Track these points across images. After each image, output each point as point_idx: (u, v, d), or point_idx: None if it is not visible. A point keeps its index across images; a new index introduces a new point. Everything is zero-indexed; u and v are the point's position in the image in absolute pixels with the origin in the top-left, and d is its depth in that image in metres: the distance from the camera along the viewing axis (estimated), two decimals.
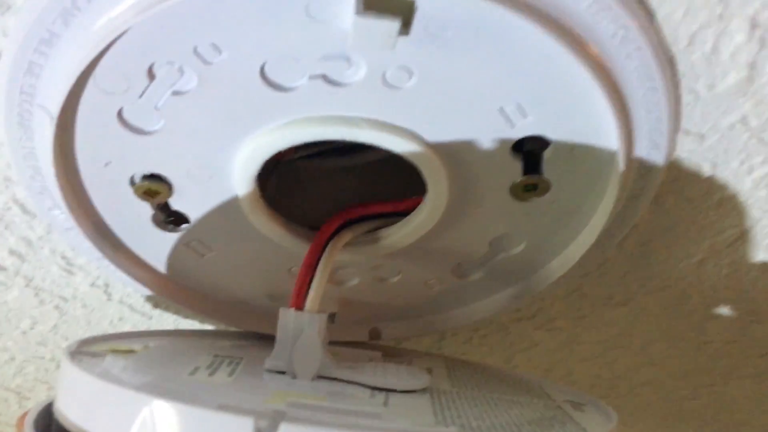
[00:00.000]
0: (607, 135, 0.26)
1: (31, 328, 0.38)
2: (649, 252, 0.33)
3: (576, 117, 0.26)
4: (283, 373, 0.28)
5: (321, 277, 0.28)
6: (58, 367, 0.41)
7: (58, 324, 0.38)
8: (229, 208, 0.29)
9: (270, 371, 0.28)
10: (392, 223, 0.31)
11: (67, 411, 0.23)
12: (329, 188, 0.35)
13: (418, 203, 0.30)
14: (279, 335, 0.29)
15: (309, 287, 0.29)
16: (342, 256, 0.31)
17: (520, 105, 0.25)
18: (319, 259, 0.29)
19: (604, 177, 0.28)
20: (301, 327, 0.28)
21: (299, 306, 0.29)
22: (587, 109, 0.26)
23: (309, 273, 0.29)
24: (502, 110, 0.26)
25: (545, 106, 0.25)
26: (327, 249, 0.29)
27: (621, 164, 0.27)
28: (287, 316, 0.29)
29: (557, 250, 0.32)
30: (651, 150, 0.27)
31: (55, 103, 0.25)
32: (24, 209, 0.31)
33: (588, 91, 0.25)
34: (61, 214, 0.29)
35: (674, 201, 0.31)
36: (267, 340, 0.31)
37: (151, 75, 0.24)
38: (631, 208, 0.30)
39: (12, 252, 0.33)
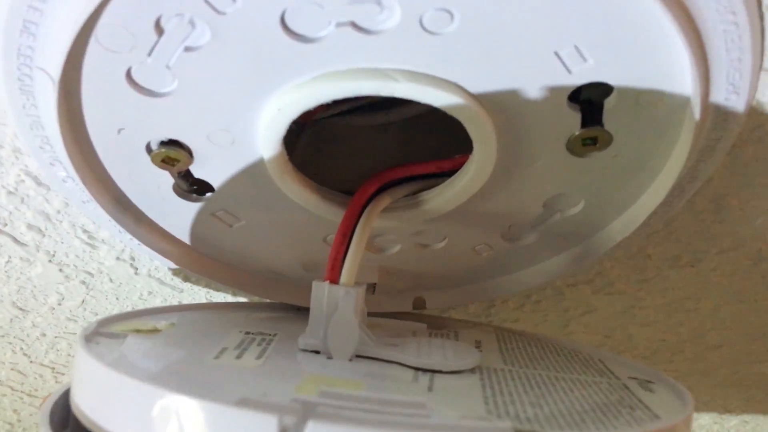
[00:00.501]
0: (679, 79, 0.23)
1: (59, 304, 0.36)
2: (721, 209, 0.30)
3: (644, 59, 0.22)
4: (317, 352, 0.26)
5: (357, 248, 0.26)
6: None
7: (86, 299, 0.36)
8: (255, 174, 0.27)
9: (304, 351, 0.26)
10: (435, 185, 0.28)
11: (80, 402, 0.21)
12: (363, 148, 0.32)
13: (464, 162, 0.27)
14: (313, 311, 0.26)
15: (344, 258, 0.26)
16: (381, 222, 0.29)
17: (578, 47, 0.22)
18: (355, 227, 0.26)
19: (674, 127, 0.25)
20: (335, 302, 0.26)
21: (334, 279, 0.26)
22: (657, 50, 0.22)
23: (344, 243, 0.26)
24: (557, 54, 0.22)
25: (607, 48, 0.22)
26: (363, 215, 0.26)
27: (695, 112, 0.23)
28: (321, 291, 0.26)
29: (620, 210, 0.29)
30: (730, 95, 0.24)
31: (55, 64, 0.22)
32: (38, 182, 0.29)
33: (658, 28, 0.21)
34: (76, 186, 0.27)
35: (753, 152, 0.27)
36: (303, 312, 0.29)
37: (159, 29, 0.22)
38: (705, 162, 0.27)
39: (30, 227, 0.31)
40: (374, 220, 0.27)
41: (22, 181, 0.28)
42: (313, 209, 0.28)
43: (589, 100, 0.25)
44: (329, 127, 0.32)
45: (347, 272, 0.26)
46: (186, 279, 0.35)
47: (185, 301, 0.37)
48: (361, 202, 0.26)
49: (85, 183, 0.26)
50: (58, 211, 0.30)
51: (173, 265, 0.31)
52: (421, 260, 0.32)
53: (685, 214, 0.30)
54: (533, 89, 0.23)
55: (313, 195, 0.28)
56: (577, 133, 0.25)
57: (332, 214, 0.28)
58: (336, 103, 0.30)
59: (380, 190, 0.27)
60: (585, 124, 0.25)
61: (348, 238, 0.26)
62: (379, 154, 0.32)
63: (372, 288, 0.32)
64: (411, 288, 0.34)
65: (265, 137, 0.25)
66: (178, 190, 0.28)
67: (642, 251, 0.32)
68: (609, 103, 0.24)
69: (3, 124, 0.26)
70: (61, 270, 0.33)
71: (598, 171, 0.27)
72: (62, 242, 0.32)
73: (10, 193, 0.29)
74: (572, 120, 0.25)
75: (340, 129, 0.32)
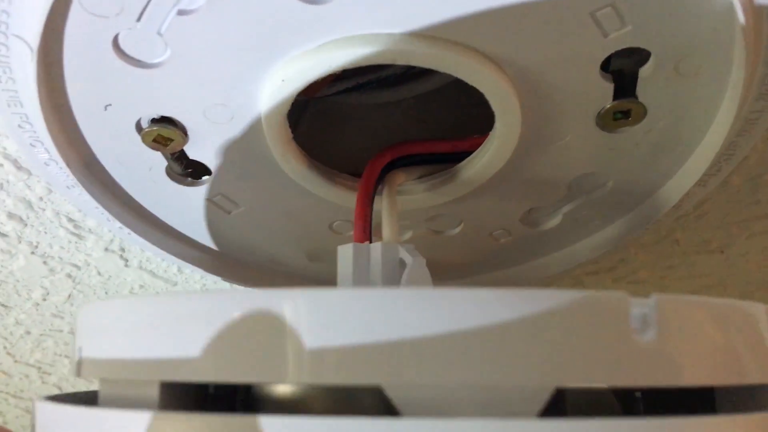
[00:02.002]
0: (726, 45, 0.21)
1: (44, 299, 0.34)
2: (757, 188, 0.28)
3: (686, 21, 0.20)
4: None
5: (391, 203, 0.24)
6: None
7: (72, 294, 0.34)
8: (255, 155, 0.25)
9: None
10: (449, 167, 0.26)
11: None
12: (371, 128, 0.30)
13: (480, 143, 0.25)
14: (359, 277, 0.23)
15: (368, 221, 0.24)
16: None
17: (616, 8, 0.20)
18: (372, 197, 0.24)
19: (714, 99, 0.23)
20: (393, 260, 0.24)
21: (363, 240, 0.24)
22: (702, 10, 0.20)
23: (368, 203, 0.24)
24: (593, 16, 0.20)
25: (649, 9, 0.20)
26: (386, 180, 0.24)
27: (740, 81, 0.21)
28: (363, 252, 0.24)
29: (650, 191, 0.27)
30: None
31: (32, 31, 0.20)
32: (17, 165, 0.26)
33: None
34: (60, 170, 0.25)
35: None
36: None
37: None
38: (744, 137, 0.25)
39: (11, 216, 0.28)
40: (395, 193, 0.25)
41: (1, 165, 0.26)
42: (319, 192, 0.26)
43: (623, 69, 0.22)
44: (333, 105, 0.29)
45: (390, 229, 0.24)
46: (180, 271, 0.32)
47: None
48: (378, 168, 0.24)
49: (69, 166, 0.24)
50: (41, 198, 0.28)
51: (169, 257, 0.29)
52: (433, 248, 0.30)
53: (719, 194, 0.28)
54: (563, 56, 0.21)
55: (319, 177, 0.25)
56: (608, 105, 0.23)
57: (340, 198, 0.26)
58: (341, 78, 0.28)
59: (392, 165, 0.25)
60: (617, 95, 0.23)
61: (371, 198, 0.24)
62: (387, 134, 0.30)
63: None
64: None
65: (267, 113, 0.23)
66: (172, 174, 0.26)
67: (670, 236, 0.30)
68: (644, 72, 0.22)
69: None
70: (45, 262, 0.31)
71: (630, 148, 0.25)
72: (46, 232, 0.29)
73: None
74: (603, 91, 0.23)
75: (345, 108, 0.29)
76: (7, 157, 0.26)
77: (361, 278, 0.23)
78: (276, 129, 0.23)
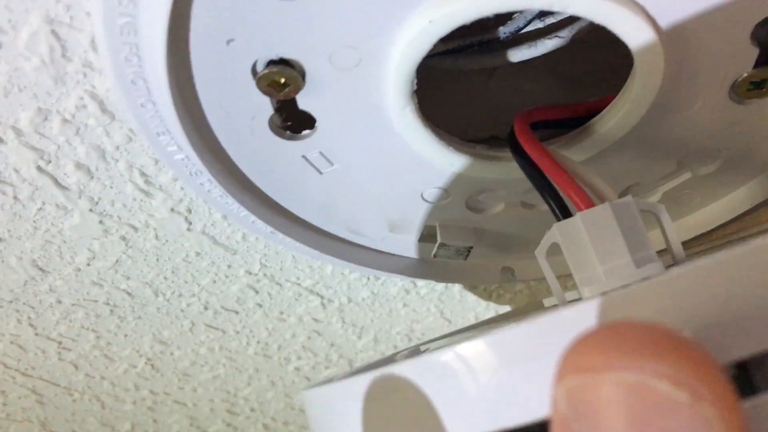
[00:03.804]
0: None
1: (88, 264, 0.31)
2: None
3: None
4: None
5: (584, 170, 0.23)
6: (111, 312, 0.35)
7: (120, 259, 0.31)
8: (370, 108, 0.23)
9: None
10: (561, 135, 0.25)
11: None
12: (467, 93, 0.29)
13: (600, 108, 0.24)
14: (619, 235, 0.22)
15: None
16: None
17: None
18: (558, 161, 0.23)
19: None
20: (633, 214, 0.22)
21: (590, 204, 0.22)
22: None
23: (564, 172, 0.23)
24: None
25: None
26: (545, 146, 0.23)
27: None
28: (606, 213, 0.22)
29: (756, 172, 0.27)
30: None
31: None
32: (102, 108, 0.24)
33: None
34: (155, 113, 0.23)
35: None
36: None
37: None
38: None
39: (79, 166, 0.26)
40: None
41: (84, 106, 0.24)
42: (428, 155, 0.25)
43: None
44: (427, 69, 0.28)
45: (607, 188, 0.22)
46: (245, 238, 0.31)
47: (235, 265, 0.32)
48: (534, 140, 0.23)
49: (166, 108, 0.22)
50: (117, 147, 0.26)
51: (243, 213, 0.27)
52: (521, 223, 0.29)
53: None
54: (721, 15, 0.20)
55: (433, 137, 0.24)
56: (746, 74, 0.22)
57: (447, 162, 0.25)
58: (442, 40, 0.27)
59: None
60: (760, 62, 0.22)
61: (559, 162, 0.23)
62: (482, 101, 0.29)
63: (467, 252, 0.29)
64: (499, 255, 0.31)
65: (401, 59, 0.21)
66: (273, 125, 0.24)
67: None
68: None
69: (79, 29, 0.22)
70: (101, 222, 0.29)
71: (753, 122, 0.24)
72: (112, 186, 0.27)
73: (65, 120, 0.24)
74: (747, 57, 0.22)
75: (439, 72, 0.28)
76: (94, 97, 0.24)
77: (637, 241, 0.22)
78: (403, 79, 0.22)
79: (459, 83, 0.29)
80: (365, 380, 0.17)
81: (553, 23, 0.26)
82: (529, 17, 0.26)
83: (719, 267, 0.14)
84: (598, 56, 0.28)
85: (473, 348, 0.16)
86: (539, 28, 0.27)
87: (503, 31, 0.26)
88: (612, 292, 0.15)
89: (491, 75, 0.29)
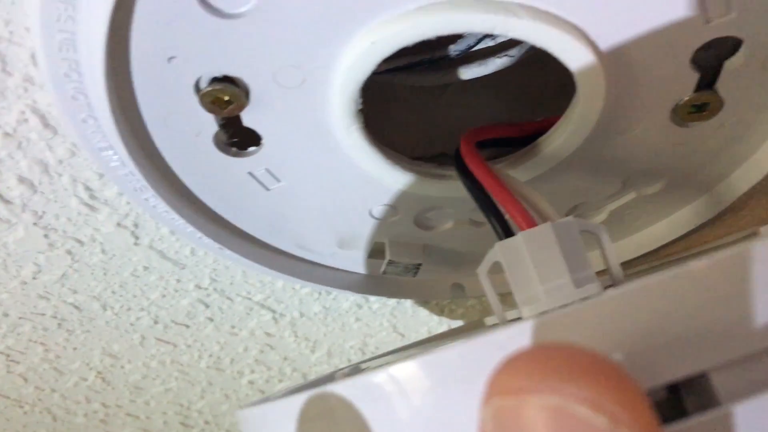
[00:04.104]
0: None
1: (34, 278, 0.31)
2: None
3: None
4: None
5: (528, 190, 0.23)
6: (59, 326, 0.34)
7: (67, 273, 0.31)
8: (315, 126, 0.23)
9: None
10: (510, 153, 0.25)
11: None
12: (416, 111, 0.29)
13: (547, 128, 0.24)
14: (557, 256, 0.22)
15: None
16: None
17: None
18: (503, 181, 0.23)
19: None
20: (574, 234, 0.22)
21: (532, 224, 0.22)
22: None
23: (506, 190, 0.23)
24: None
25: None
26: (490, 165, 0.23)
27: None
28: (547, 234, 0.22)
29: (702, 191, 0.27)
30: None
31: None
32: (44, 122, 0.24)
33: None
34: (96, 129, 0.23)
35: None
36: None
37: None
38: None
39: (22, 180, 0.26)
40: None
41: (26, 120, 0.24)
42: (375, 172, 0.25)
43: (709, 60, 0.22)
44: (377, 85, 0.28)
45: (549, 206, 0.23)
46: (193, 253, 0.30)
47: (184, 279, 0.32)
48: (477, 157, 0.23)
49: (115, 123, 0.22)
50: (60, 161, 0.25)
51: (189, 229, 0.26)
52: (470, 240, 0.29)
53: (757, 199, 0.28)
54: (661, 38, 0.21)
55: (379, 156, 0.24)
56: (686, 97, 0.23)
57: (393, 180, 0.25)
58: (392, 57, 0.27)
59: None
60: (700, 87, 0.23)
61: (504, 182, 0.23)
62: (432, 119, 0.29)
63: (415, 269, 0.29)
64: (449, 271, 0.31)
65: (344, 79, 0.21)
66: (218, 142, 0.24)
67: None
68: (730, 65, 0.22)
69: (18, 44, 0.22)
70: (46, 235, 0.28)
71: (695, 144, 0.25)
72: (56, 200, 0.27)
73: (6, 135, 0.24)
74: (687, 81, 0.22)
75: (389, 89, 0.28)
76: (35, 111, 0.23)
77: (577, 261, 0.22)
78: (348, 99, 0.22)
79: (410, 100, 0.29)
80: (299, 400, 0.17)
81: (503, 42, 0.26)
82: (480, 36, 0.26)
83: (650, 290, 0.14)
84: (548, 75, 0.28)
85: (406, 370, 0.16)
86: (490, 47, 0.27)
87: (454, 49, 0.26)
88: (545, 314, 0.15)
89: (443, 92, 0.29)
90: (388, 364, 0.16)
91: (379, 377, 0.16)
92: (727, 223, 0.29)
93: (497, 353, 0.14)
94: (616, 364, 0.13)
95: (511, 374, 0.13)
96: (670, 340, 0.14)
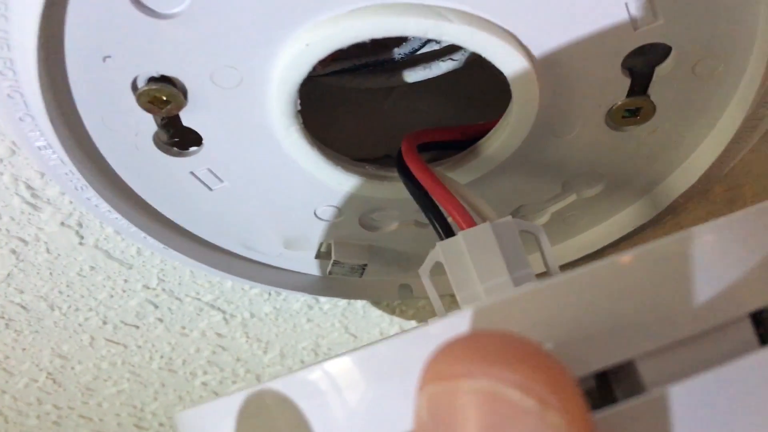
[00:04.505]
0: (744, 49, 0.21)
1: None
2: (735, 199, 0.29)
3: (714, 22, 0.21)
4: None
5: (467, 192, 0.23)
6: (7, 326, 0.34)
7: (12, 273, 0.31)
8: (255, 127, 0.23)
9: None
10: (450, 156, 0.26)
11: None
12: (361, 113, 0.29)
13: (488, 130, 0.25)
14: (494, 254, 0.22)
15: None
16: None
17: (652, 0, 0.20)
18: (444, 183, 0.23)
19: (722, 101, 0.24)
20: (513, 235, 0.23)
21: (472, 223, 0.23)
22: (731, 13, 0.20)
23: (447, 192, 0.23)
24: (627, 6, 0.20)
25: (683, 4, 0.20)
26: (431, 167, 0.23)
27: (755, 84, 0.22)
28: (486, 233, 0.22)
29: (639, 194, 0.28)
30: None
31: None
32: None
33: None
34: (34, 127, 0.23)
35: None
36: None
37: None
38: (739, 144, 0.25)
39: None
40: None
41: None
42: (317, 173, 0.25)
43: (639, 66, 0.23)
44: (323, 87, 0.28)
45: (489, 209, 0.23)
46: (139, 253, 0.30)
47: (131, 279, 0.32)
48: (418, 159, 0.23)
49: (51, 122, 0.22)
50: (1, 160, 0.25)
51: (133, 229, 0.26)
52: (415, 241, 0.29)
53: (697, 203, 0.29)
54: (591, 44, 0.21)
55: (321, 157, 0.24)
56: (620, 102, 0.23)
57: (336, 181, 0.25)
58: (338, 59, 0.27)
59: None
60: (632, 92, 0.23)
61: (444, 184, 0.23)
62: (378, 121, 0.29)
63: (361, 270, 0.29)
64: (396, 272, 0.31)
65: (281, 80, 0.21)
66: (158, 142, 0.24)
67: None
68: (661, 70, 0.23)
69: None
70: None
71: (631, 148, 0.25)
72: None
73: None
74: (619, 86, 0.23)
75: (335, 91, 0.28)
76: None
77: (516, 260, 0.22)
78: (286, 100, 0.22)
79: (355, 102, 0.29)
80: (238, 399, 0.17)
81: (447, 46, 0.27)
82: (424, 40, 0.26)
83: (579, 281, 0.15)
84: (492, 78, 0.29)
85: (341, 365, 0.16)
86: (435, 50, 0.27)
87: (398, 52, 0.27)
88: (478, 305, 0.15)
89: (388, 95, 0.29)
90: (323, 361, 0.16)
91: (315, 374, 0.16)
92: (668, 224, 0.29)
93: (431, 345, 0.14)
94: (546, 350, 0.13)
95: (445, 361, 0.13)
96: (598, 329, 0.15)
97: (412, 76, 0.28)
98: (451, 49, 0.27)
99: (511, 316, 0.15)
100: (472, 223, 0.23)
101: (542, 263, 0.24)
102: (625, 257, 0.15)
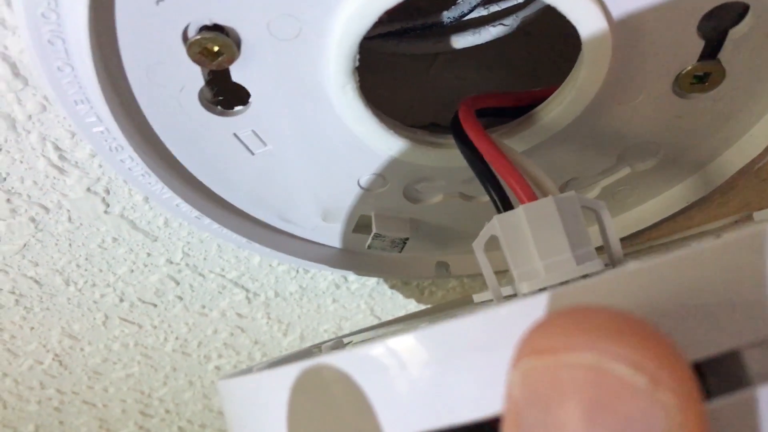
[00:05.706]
0: None
1: None
2: None
3: None
4: None
5: (527, 162, 0.22)
6: (17, 302, 0.33)
7: (29, 243, 0.29)
8: (308, 85, 0.22)
9: None
10: (506, 122, 0.25)
11: None
12: (407, 79, 0.28)
13: (544, 97, 0.24)
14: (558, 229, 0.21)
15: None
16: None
17: None
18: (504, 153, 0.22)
19: None
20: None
21: (533, 197, 0.21)
22: None
23: (508, 162, 0.22)
24: None
25: None
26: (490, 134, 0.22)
27: None
28: (549, 207, 0.21)
29: (686, 174, 0.27)
30: None
31: None
32: (15, 71, 0.22)
33: None
34: (73, 78, 0.21)
35: None
36: None
37: None
38: None
39: None
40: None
41: None
42: (367, 137, 0.23)
43: (714, 28, 0.22)
44: (366, 53, 0.27)
45: (550, 181, 0.22)
46: (167, 224, 0.29)
47: (155, 253, 0.30)
48: (478, 126, 0.22)
49: (96, 72, 0.20)
50: (30, 117, 0.24)
51: (167, 194, 0.25)
52: (459, 216, 0.28)
53: (745, 180, 0.28)
54: (670, 6, 0.20)
55: (374, 119, 0.23)
56: (689, 67, 0.22)
57: (386, 146, 0.24)
58: (384, 22, 0.26)
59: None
60: (704, 55, 0.22)
61: (505, 154, 0.22)
62: (421, 89, 0.28)
63: (402, 244, 0.28)
64: (434, 249, 0.30)
65: (343, 32, 0.20)
66: (203, 99, 0.23)
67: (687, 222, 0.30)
68: (735, 33, 0.22)
69: None
70: (8, 200, 0.27)
71: (693, 117, 0.24)
72: (22, 161, 0.25)
73: None
74: (692, 49, 0.22)
75: (378, 56, 0.27)
76: (5, 58, 0.22)
77: (579, 237, 0.21)
78: (345, 54, 0.21)
79: (400, 68, 0.28)
80: (293, 371, 0.16)
81: (497, 11, 0.26)
82: (474, 3, 0.25)
83: (682, 262, 0.13)
84: (541, 47, 0.28)
85: (407, 342, 0.15)
86: (483, 15, 0.26)
87: (447, 15, 0.25)
88: (556, 288, 0.14)
89: (434, 61, 0.28)
90: (383, 336, 0.15)
91: (377, 350, 0.15)
92: (715, 203, 0.28)
93: (512, 325, 0.13)
94: (657, 327, 0.12)
95: (545, 334, 0.12)
96: (704, 314, 0.13)
97: (460, 41, 0.27)
98: (501, 15, 0.26)
99: (603, 297, 0.14)
100: (533, 197, 0.22)
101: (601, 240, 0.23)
102: (739, 234, 0.14)
